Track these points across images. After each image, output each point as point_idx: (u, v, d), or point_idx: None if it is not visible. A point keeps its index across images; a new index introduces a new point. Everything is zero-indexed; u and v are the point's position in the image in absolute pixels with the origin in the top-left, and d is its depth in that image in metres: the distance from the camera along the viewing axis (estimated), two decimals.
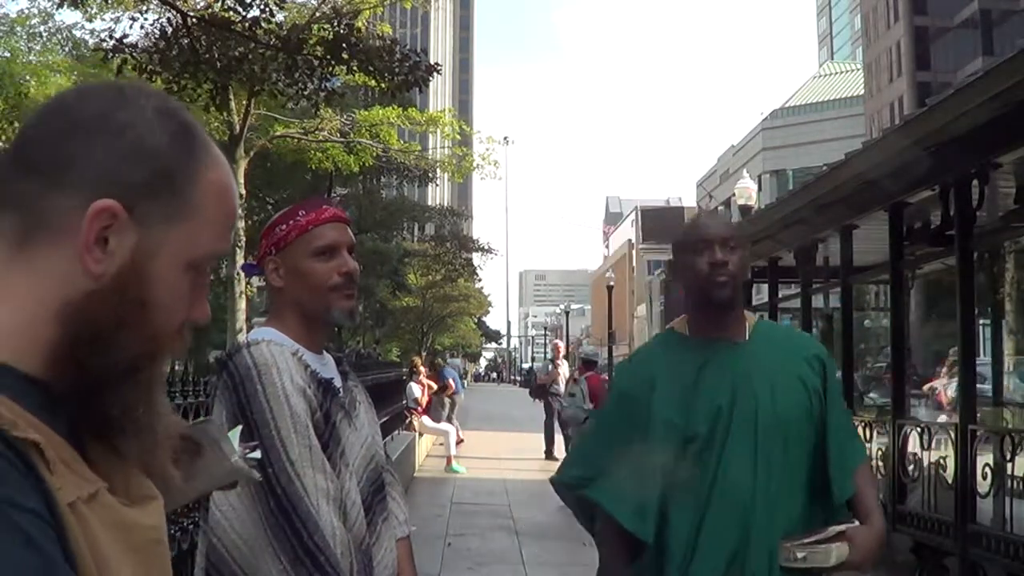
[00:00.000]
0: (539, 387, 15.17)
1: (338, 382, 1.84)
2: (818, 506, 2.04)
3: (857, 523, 2.02)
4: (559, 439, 14.35)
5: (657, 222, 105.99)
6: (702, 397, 2.04)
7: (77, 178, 0.75)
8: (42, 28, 21.37)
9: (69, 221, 0.75)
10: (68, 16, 77.32)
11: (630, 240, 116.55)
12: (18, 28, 21.36)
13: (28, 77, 20.06)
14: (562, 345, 15.41)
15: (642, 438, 2.04)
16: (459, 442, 14.09)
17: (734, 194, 22.71)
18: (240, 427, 1.48)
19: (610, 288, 41.90)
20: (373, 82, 14.47)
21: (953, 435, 4.89)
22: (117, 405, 0.78)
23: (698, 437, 2.01)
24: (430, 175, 23.67)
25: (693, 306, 2.16)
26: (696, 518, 1.97)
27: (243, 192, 17.64)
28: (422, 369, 14.07)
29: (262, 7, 11.89)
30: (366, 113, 20.31)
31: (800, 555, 1.93)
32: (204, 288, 0.84)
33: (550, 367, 14.54)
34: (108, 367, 0.76)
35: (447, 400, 15.66)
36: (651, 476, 2.00)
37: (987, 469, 4.68)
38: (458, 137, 23.25)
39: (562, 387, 14.17)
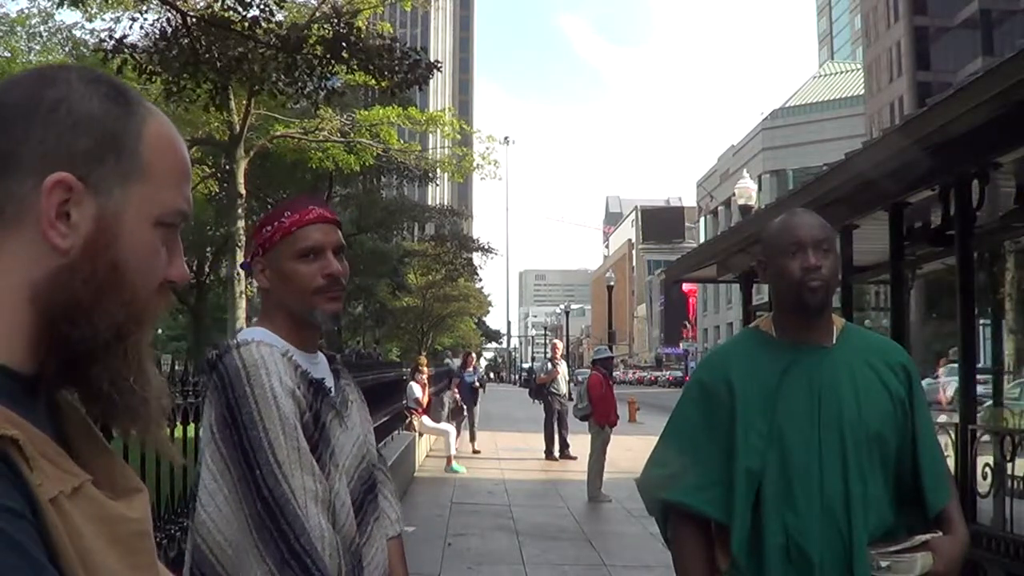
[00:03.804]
0: (538, 387, 15.17)
1: (330, 382, 1.82)
2: (901, 515, 2.00)
3: (940, 532, 1.97)
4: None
5: (657, 222, 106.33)
6: (785, 401, 1.99)
7: (23, 162, 0.75)
8: (42, 28, 21.39)
9: (26, 205, 0.74)
10: (68, 16, 77.39)
11: (630, 240, 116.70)
12: (18, 28, 21.37)
13: None
14: (560, 345, 15.42)
15: (723, 438, 2.01)
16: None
17: (734, 194, 22.70)
18: None
19: (610, 288, 41.94)
20: (373, 81, 14.48)
21: (953, 435, 4.88)
22: (107, 377, 0.77)
23: (782, 441, 1.97)
24: (430, 175, 23.66)
25: (782, 309, 2.10)
26: (789, 524, 1.93)
27: (243, 192, 17.64)
28: (425, 369, 14.04)
29: (262, 7, 11.90)
30: (366, 113, 20.31)
31: (884, 564, 1.89)
32: (177, 247, 0.83)
33: (549, 366, 14.55)
34: (93, 339, 0.76)
35: (453, 402, 15.68)
36: (733, 476, 1.97)
37: (987, 469, 4.68)
38: (458, 137, 23.24)
39: (562, 386, 14.18)
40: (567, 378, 14.39)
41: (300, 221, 1.79)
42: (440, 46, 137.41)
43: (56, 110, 0.76)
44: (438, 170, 23.72)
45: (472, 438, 15.39)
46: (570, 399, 14.56)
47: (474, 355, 19.01)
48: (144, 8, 15.44)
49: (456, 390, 16.04)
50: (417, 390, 13.13)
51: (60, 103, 0.77)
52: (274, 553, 1.54)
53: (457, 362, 22.25)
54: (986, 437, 4.84)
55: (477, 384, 16.32)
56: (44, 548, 0.66)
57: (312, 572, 1.54)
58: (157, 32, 13.24)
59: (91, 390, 0.78)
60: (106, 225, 0.77)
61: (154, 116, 0.82)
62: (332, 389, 1.81)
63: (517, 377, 78.96)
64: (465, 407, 15.65)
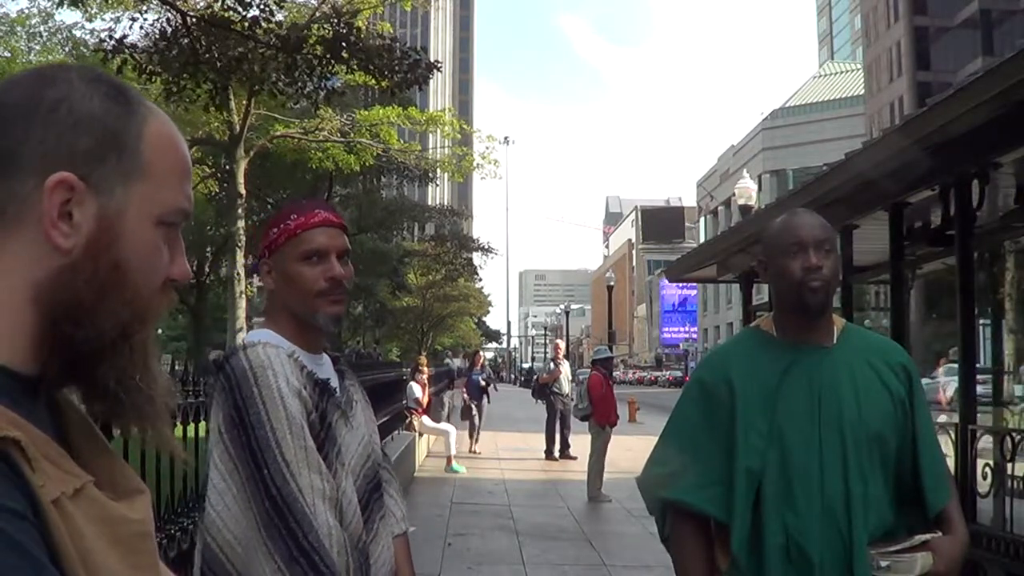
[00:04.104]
0: (541, 387, 15.13)
1: (335, 382, 1.85)
2: (901, 515, 2.00)
3: (940, 532, 1.97)
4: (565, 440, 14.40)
5: (657, 222, 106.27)
6: (785, 401, 2.00)
7: (24, 162, 0.75)
8: (42, 28, 21.38)
9: (27, 205, 0.74)
10: (68, 16, 77.38)
11: (630, 240, 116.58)
12: (18, 28, 21.36)
13: None
14: (563, 345, 15.39)
15: (723, 437, 2.02)
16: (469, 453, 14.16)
17: (734, 194, 22.70)
18: None
19: (610, 288, 41.88)
20: (373, 81, 14.47)
21: (953, 435, 4.88)
22: (112, 375, 0.77)
23: (782, 440, 1.97)
24: (430, 175, 23.67)
25: (782, 309, 2.11)
26: (789, 523, 1.94)
27: (243, 192, 17.63)
28: (425, 369, 14.03)
29: (262, 7, 11.90)
30: (366, 113, 20.31)
31: (884, 564, 1.89)
32: (179, 245, 0.83)
33: (551, 366, 14.53)
34: (97, 338, 0.76)
35: (463, 401, 15.56)
36: (734, 475, 1.98)
37: (987, 469, 4.68)
38: (458, 136, 23.25)
39: (565, 386, 14.16)
40: (570, 378, 14.32)
41: (305, 224, 1.81)
42: (440, 46, 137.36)
43: (56, 110, 0.76)
44: (438, 170, 23.72)
45: (476, 439, 15.16)
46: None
47: (483, 354, 18.56)
48: (144, 8, 15.44)
49: (465, 390, 15.88)
50: (417, 390, 13.12)
51: (61, 103, 0.76)
52: (282, 550, 1.56)
53: (457, 362, 22.20)
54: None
55: (484, 383, 16.07)
56: (46, 549, 0.66)
57: (320, 569, 1.56)
58: (157, 32, 13.24)
59: (96, 389, 0.78)
60: (108, 224, 0.76)
61: (155, 115, 0.82)
62: (337, 389, 1.84)
63: (515, 377, 78.90)
64: (474, 406, 15.37)
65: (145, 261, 0.79)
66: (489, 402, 16.15)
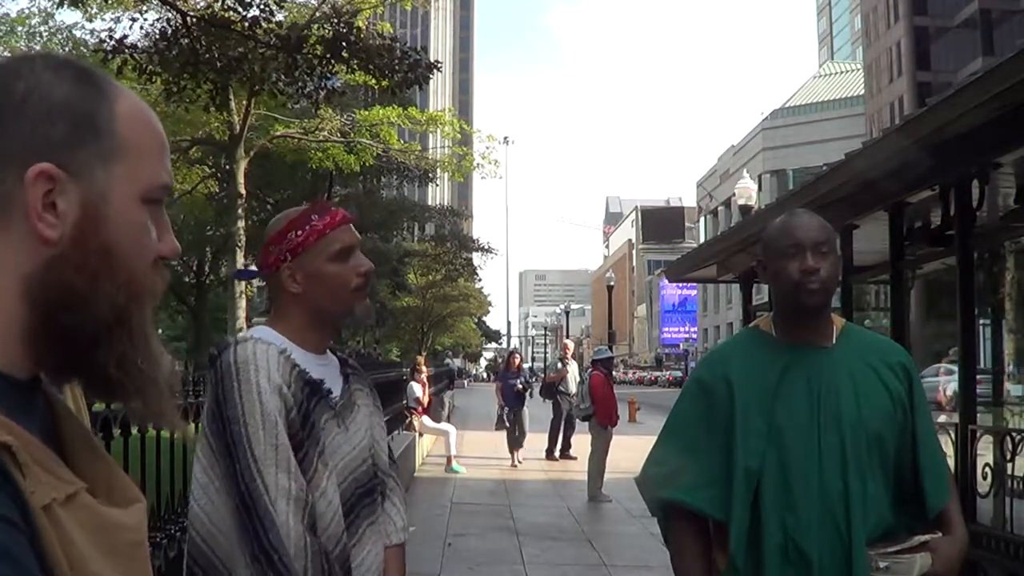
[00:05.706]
0: (548, 386, 15.02)
1: (333, 383, 1.84)
2: (901, 515, 2.00)
3: (940, 533, 1.97)
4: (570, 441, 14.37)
5: (657, 222, 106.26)
6: (784, 401, 2.00)
7: (2, 159, 0.74)
8: (42, 28, 21.35)
9: (10, 202, 0.74)
10: (68, 16, 77.40)
11: (630, 240, 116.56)
12: (18, 28, 21.34)
13: None
14: (571, 344, 15.28)
15: (722, 436, 2.02)
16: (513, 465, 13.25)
17: (734, 194, 22.73)
18: None
19: (610, 288, 41.88)
20: (373, 81, 14.47)
21: (953, 435, 4.89)
22: (112, 359, 0.77)
23: (781, 440, 1.97)
24: (430, 175, 23.67)
25: (780, 310, 2.11)
26: (788, 523, 1.94)
27: (243, 192, 17.64)
28: (424, 368, 14.01)
29: (262, 7, 11.89)
30: (366, 113, 20.30)
31: (883, 564, 1.89)
32: (165, 222, 0.82)
33: (559, 365, 14.48)
34: (94, 324, 0.76)
35: (499, 408, 14.56)
36: (732, 475, 1.98)
37: (987, 469, 4.68)
38: (458, 136, 23.25)
39: (571, 386, 14.08)
40: (577, 378, 14.10)
41: (332, 223, 1.85)
42: (440, 46, 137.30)
43: (27, 101, 0.75)
44: (438, 170, 23.72)
45: (518, 447, 13.78)
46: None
47: (519, 355, 16.44)
48: (144, 8, 15.45)
49: (500, 395, 14.72)
50: (418, 389, 13.13)
51: (30, 93, 0.75)
52: (247, 546, 1.59)
53: (457, 362, 21.96)
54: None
55: (520, 387, 14.41)
56: (36, 556, 0.65)
57: (277, 568, 1.57)
58: (157, 32, 13.22)
59: (98, 376, 0.78)
60: (93, 209, 0.76)
61: (124, 94, 0.81)
62: (335, 391, 1.83)
63: None
64: (508, 413, 14.07)
65: (134, 241, 0.78)
66: (525, 407, 14.30)
